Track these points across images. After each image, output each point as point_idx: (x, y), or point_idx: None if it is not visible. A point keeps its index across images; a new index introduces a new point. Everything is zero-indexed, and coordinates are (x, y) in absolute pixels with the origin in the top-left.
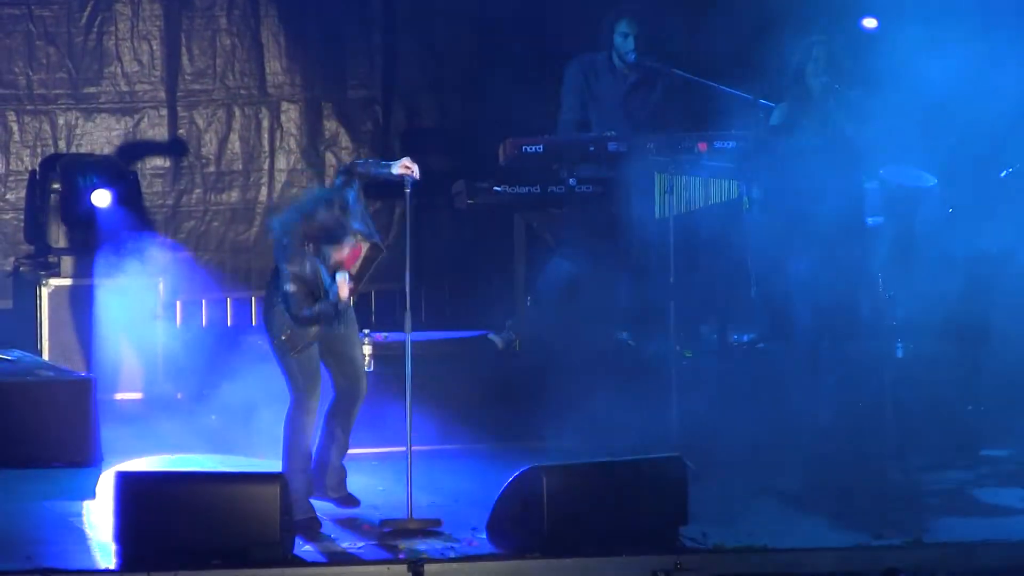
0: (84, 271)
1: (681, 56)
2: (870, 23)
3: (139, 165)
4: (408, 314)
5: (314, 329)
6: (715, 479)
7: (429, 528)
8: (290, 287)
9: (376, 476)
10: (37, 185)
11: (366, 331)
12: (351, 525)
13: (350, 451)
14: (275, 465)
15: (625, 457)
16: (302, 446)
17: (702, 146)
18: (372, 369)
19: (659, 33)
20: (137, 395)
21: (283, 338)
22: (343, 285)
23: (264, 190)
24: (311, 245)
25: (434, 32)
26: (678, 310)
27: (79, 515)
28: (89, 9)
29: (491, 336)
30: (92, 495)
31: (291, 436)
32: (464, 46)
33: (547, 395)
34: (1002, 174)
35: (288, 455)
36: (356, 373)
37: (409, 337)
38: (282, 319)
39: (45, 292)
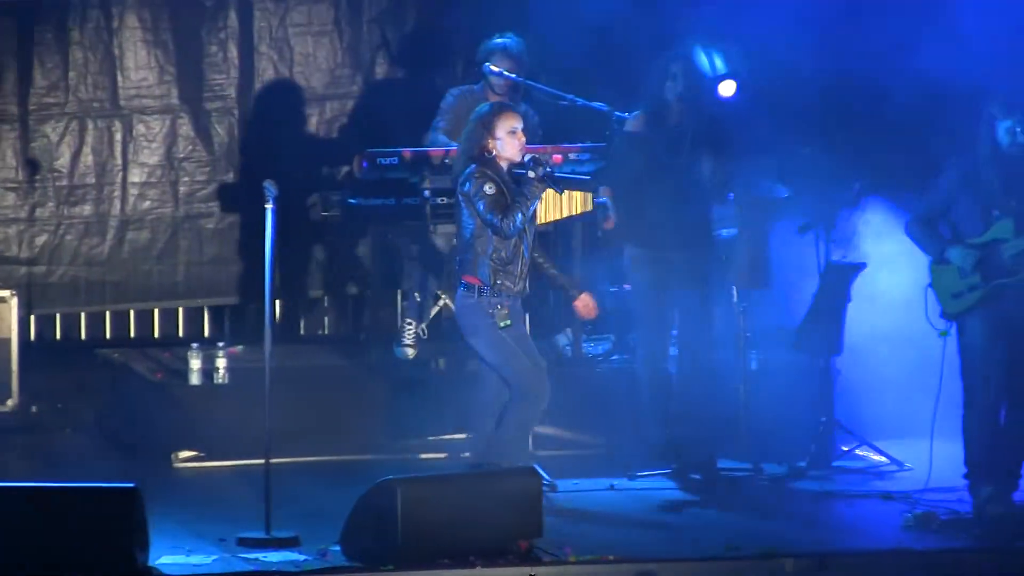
0: None
1: (535, 68)
2: (727, 90)
3: None
4: (268, 326)
5: (505, 311)
6: (570, 491)
7: (285, 542)
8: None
9: (234, 489)
10: None
11: (221, 344)
12: (208, 538)
13: (207, 463)
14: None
15: (478, 469)
16: (523, 443)
17: (557, 158)
18: (227, 382)
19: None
20: None
21: (492, 316)
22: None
23: (117, 203)
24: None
25: (291, 44)
26: (534, 322)
27: None
28: None
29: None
30: None
31: (514, 432)
32: (321, 58)
33: (408, 407)
34: (855, 186)
35: (509, 452)
36: (539, 371)
37: (268, 349)
38: (480, 302)
39: None
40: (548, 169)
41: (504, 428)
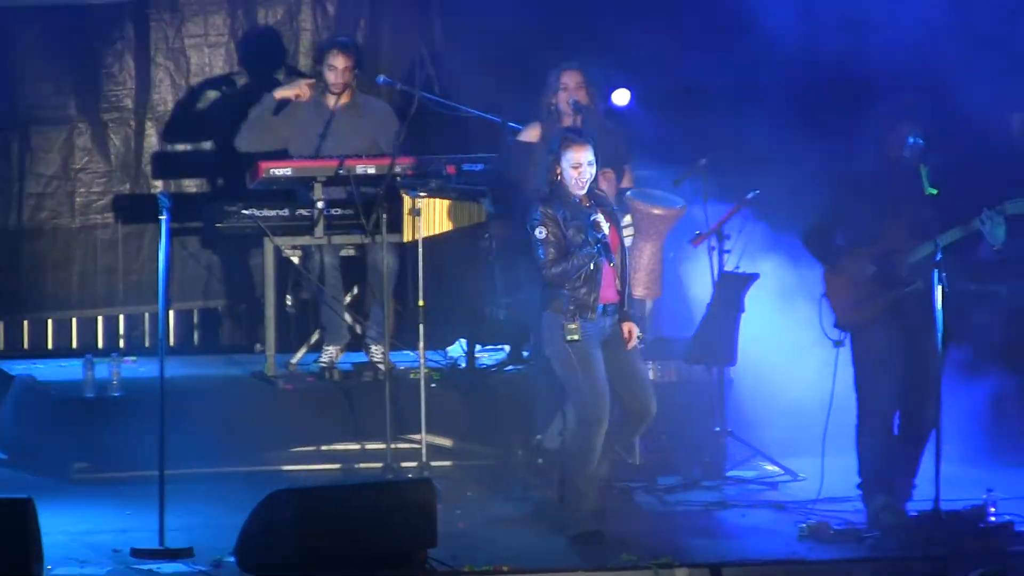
0: None
1: (433, 79)
2: (621, 98)
3: None
4: (162, 337)
5: (575, 325)
6: (463, 502)
7: (179, 553)
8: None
9: (127, 501)
10: None
11: (115, 355)
12: (102, 549)
13: (102, 475)
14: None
15: (375, 480)
16: (587, 470)
17: (450, 169)
18: (120, 394)
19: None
20: None
21: (562, 330)
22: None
23: (13, 215)
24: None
25: (187, 54)
26: (429, 332)
27: None
28: None
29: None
30: None
31: (572, 450)
32: (217, 68)
33: (303, 418)
34: (748, 196)
35: (571, 478)
36: (643, 389)
37: (162, 359)
38: (554, 319)
39: None
40: (599, 235)
41: (564, 446)
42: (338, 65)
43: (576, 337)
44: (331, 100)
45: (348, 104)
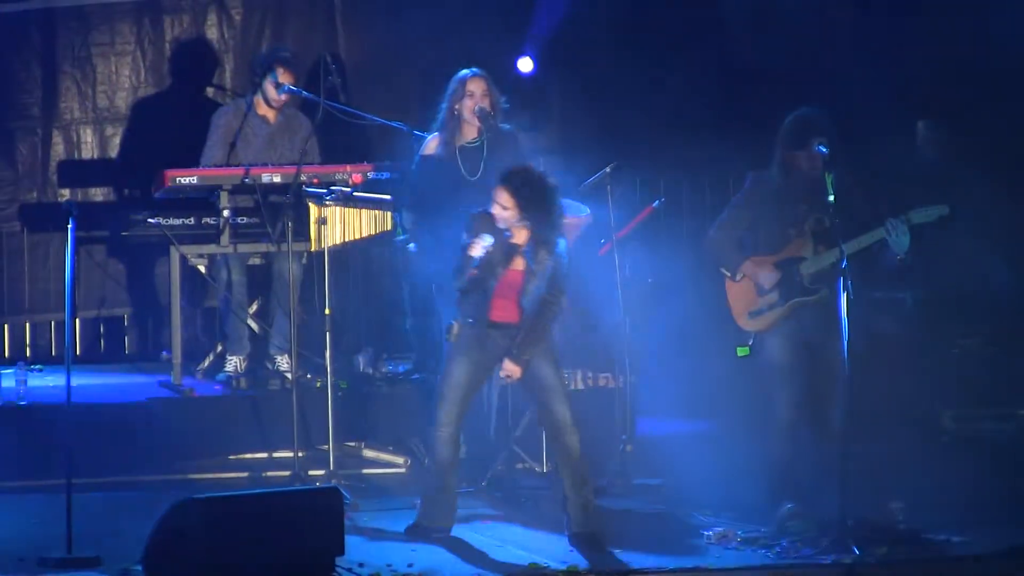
0: None
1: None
2: (526, 65)
3: None
4: (68, 345)
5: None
6: (372, 509)
7: (86, 562)
8: None
9: (35, 509)
10: None
11: (20, 363)
12: (8, 558)
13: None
14: None
15: (282, 488)
16: (434, 461)
17: (356, 177)
18: (27, 403)
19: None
20: None
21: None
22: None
23: None
24: None
25: (93, 63)
26: (334, 340)
27: None
28: None
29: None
30: None
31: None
32: (123, 77)
33: (209, 427)
34: (654, 204)
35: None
36: (552, 400)
37: (69, 368)
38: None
39: None
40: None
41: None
42: (287, 81)
43: (453, 335)
44: (271, 114)
45: (283, 117)
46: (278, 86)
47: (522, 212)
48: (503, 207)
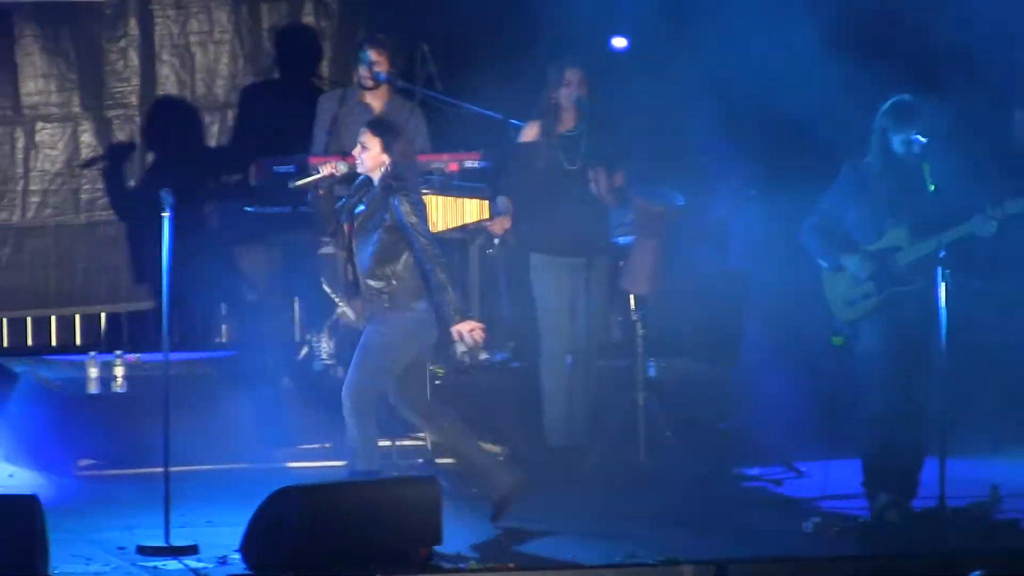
0: None
1: (431, 76)
2: (620, 43)
3: None
4: (166, 333)
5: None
6: (469, 499)
7: (184, 550)
8: None
9: (133, 497)
10: None
11: (118, 352)
12: (107, 546)
13: (106, 472)
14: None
15: (379, 477)
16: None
17: (453, 166)
18: (125, 390)
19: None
20: None
21: None
22: None
23: (17, 211)
24: None
25: (191, 51)
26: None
27: None
28: None
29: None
30: None
31: None
32: (222, 65)
33: (309, 414)
34: (750, 193)
35: None
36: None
37: (167, 356)
38: None
39: None
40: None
41: None
42: (379, 68)
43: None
44: (373, 101)
45: (388, 105)
46: (372, 72)
47: (384, 150)
48: (364, 146)
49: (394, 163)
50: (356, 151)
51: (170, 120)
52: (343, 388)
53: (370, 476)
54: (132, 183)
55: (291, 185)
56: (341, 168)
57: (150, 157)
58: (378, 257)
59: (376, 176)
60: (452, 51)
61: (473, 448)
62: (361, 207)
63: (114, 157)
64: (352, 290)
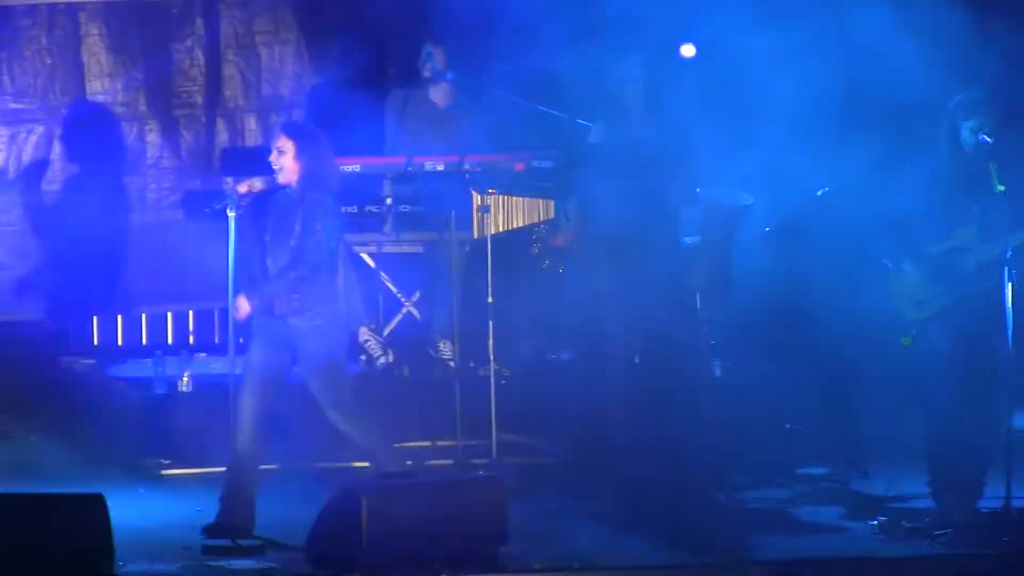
0: None
1: (498, 75)
2: (688, 51)
3: None
4: (231, 333)
5: None
6: (534, 498)
7: (250, 550)
8: None
9: (199, 496)
10: None
11: (185, 351)
12: (173, 545)
13: (172, 471)
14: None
15: (445, 477)
16: None
17: (519, 165)
18: (192, 389)
19: (472, 55)
20: None
21: None
22: None
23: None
24: None
25: (257, 51)
26: (497, 329)
27: None
28: None
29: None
30: None
31: None
32: (287, 66)
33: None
34: (819, 193)
35: None
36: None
37: (232, 355)
38: None
39: None
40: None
41: None
42: (439, 64)
43: None
44: (436, 98)
45: (451, 103)
46: (433, 69)
47: (298, 155)
48: (280, 150)
49: (309, 165)
50: (272, 156)
51: (235, 119)
52: (327, 411)
53: (402, 471)
54: (199, 182)
55: (207, 209)
56: (257, 184)
57: (216, 156)
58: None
59: (293, 180)
60: (520, 49)
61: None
62: (277, 210)
63: (181, 156)
64: (252, 287)
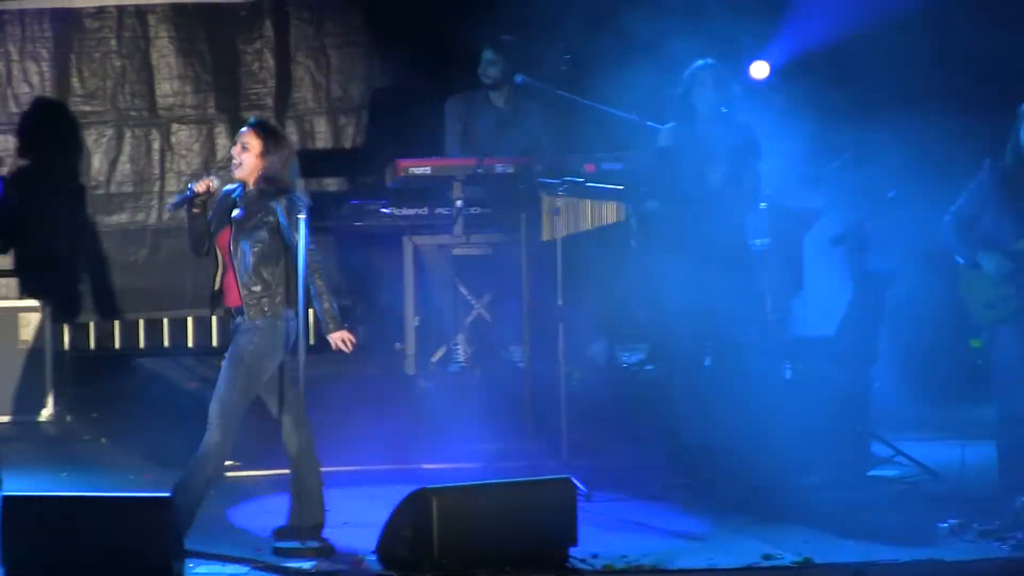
0: None
1: (568, 78)
2: (761, 71)
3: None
4: (302, 334)
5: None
6: (605, 500)
7: (320, 551)
8: None
9: (269, 498)
10: None
11: None
12: (243, 547)
13: (242, 473)
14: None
15: (515, 479)
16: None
17: (589, 167)
18: None
19: (538, 57)
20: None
21: None
22: None
23: (154, 212)
24: None
25: (327, 53)
26: (567, 331)
27: None
28: None
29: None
30: None
31: None
32: (357, 69)
33: (439, 417)
34: (890, 195)
35: None
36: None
37: (302, 358)
38: None
39: None
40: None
41: None
42: (497, 59)
43: None
44: (498, 101)
45: (513, 106)
46: (490, 72)
47: (262, 154)
48: (244, 146)
49: (270, 166)
50: (236, 150)
51: (304, 121)
52: (212, 401)
53: (184, 488)
54: None
55: (167, 207)
56: (215, 184)
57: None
58: (261, 257)
59: (251, 180)
60: (588, 52)
61: (315, 471)
62: (238, 212)
63: None
64: (217, 301)
